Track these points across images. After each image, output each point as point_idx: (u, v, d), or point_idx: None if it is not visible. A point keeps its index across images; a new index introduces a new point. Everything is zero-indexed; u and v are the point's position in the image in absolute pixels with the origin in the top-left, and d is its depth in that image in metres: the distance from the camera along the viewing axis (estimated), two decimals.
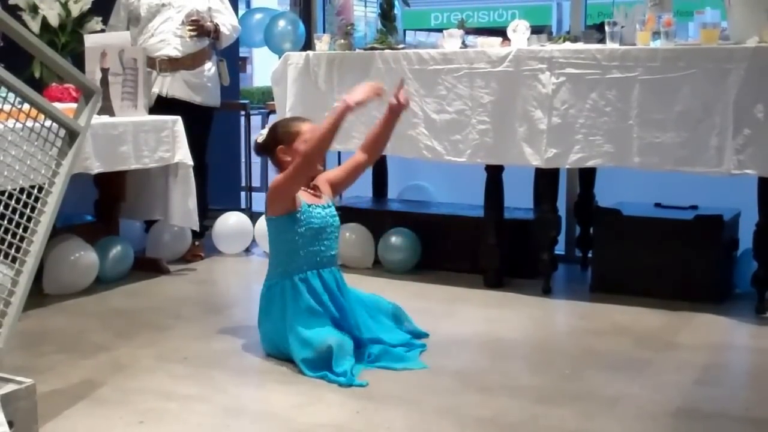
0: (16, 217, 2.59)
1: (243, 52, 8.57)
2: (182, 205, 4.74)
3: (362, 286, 3.72)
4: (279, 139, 3.51)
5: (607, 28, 4.12)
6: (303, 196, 3.44)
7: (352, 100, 3.32)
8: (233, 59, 6.52)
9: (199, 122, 5.09)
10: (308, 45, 5.42)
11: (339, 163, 5.60)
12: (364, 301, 3.60)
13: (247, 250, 5.43)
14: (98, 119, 4.31)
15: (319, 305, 3.35)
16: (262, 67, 15.75)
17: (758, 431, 2.75)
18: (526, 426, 2.75)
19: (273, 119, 5.32)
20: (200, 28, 4.97)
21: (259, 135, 3.65)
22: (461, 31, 4.59)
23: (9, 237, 2.56)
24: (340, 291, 3.45)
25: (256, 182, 6.48)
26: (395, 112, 3.64)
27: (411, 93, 4.49)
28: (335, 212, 3.55)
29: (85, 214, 5.11)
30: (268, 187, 6.20)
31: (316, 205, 3.45)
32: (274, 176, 3.51)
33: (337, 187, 3.69)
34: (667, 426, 2.75)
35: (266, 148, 3.56)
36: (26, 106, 2.64)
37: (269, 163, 5.73)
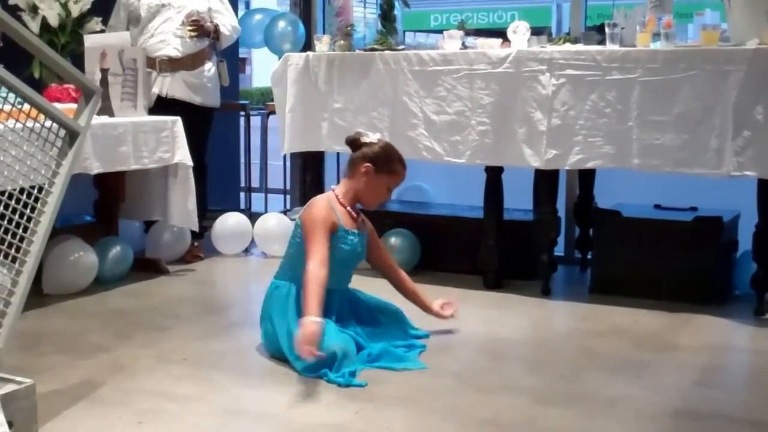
0: (16, 217, 2.58)
1: (242, 52, 8.57)
2: (182, 206, 4.73)
3: (362, 286, 3.72)
4: (377, 159, 3.43)
5: (607, 30, 4.12)
6: (342, 219, 3.40)
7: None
8: (233, 60, 6.52)
9: (199, 123, 5.09)
10: (308, 46, 5.42)
11: (338, 165, 5.64)
12: (364, 301, 3.59)
13: (246, 251, 5.43)
14: (98, 119, 4.30)
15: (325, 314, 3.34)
16: (262, 68, 15.75)
17: None
18: (525, 427, 2.75)
19: (273, 120, 5.33)
20: (200, 28, 4.97)
21: (367, 135, 3.52)
22: (461, 32, 4.59)
23: (9, 237, 2.56)
24: (342, 305, 3.45)
25: (255, 183, 6.48)
26: (429, 311, 3.71)
27: (411, 94, 4.50)
28: (365, 242, 3.53)
29: (84, 215, 5.11)
30: (267, 188, 6.25)
31: (352, 231, 3.43)
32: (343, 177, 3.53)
33: (371, 252, 3.64)
34: (666, 427, 2.75)
35: (361, 150, 3.47)
36: (26, 106, 2.64)
37: (268, 163, 5.74)
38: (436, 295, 4.34)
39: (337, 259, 3.35)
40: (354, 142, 3.52)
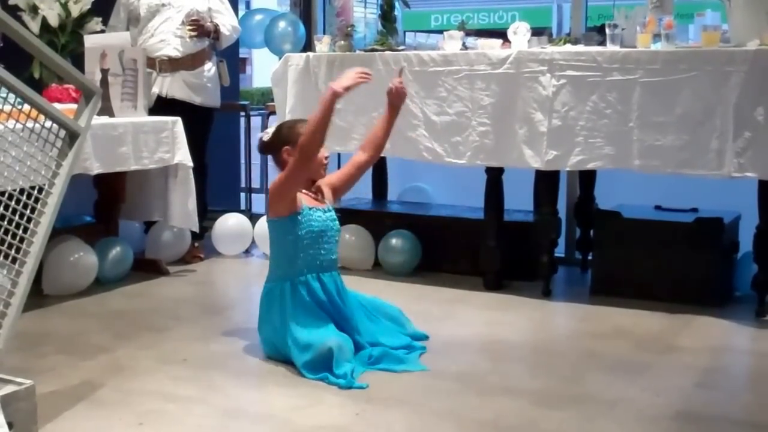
0: (16, 217, 2.58)
1: (242, 52, 8.56)
2: (182, 206, 4.73)
3: (362, 288, 3.72)
4: (284, 139, 3.49)
5: (607, 31, 4.12)
6: (304, 199, 3.43)
7: (340, 86, 3.29)
8: (233, 60, 6.51)
9: (199, 123, 5.08)
10: (308, 46, 5.41)
11: (339, 167, 5.63)
12: (364, 303, 3.59)
13: (247, 252, 5.42)
14: (98, 120, 4.30)
15: (319, 308, 3.35)
16: (262, 68, 15.75)
17: None
18: (525, 428, 2.74)
19: (273, 121, 5.32)
20: (200, 28, 4.97)
21: (265, 134, 3.62)
22: (462, 33, 4.58)
23: (9, 238, 2.55)
24: (339, 295, 3.44)
25: (255, 183, 6.48)
26: (394, 104, 3.66)
27: (411, 95, 4.49)
28: (335, 216, 3.54)
29: (84, 215, 5.10)
30: (268, 188, 6.24)
31: (316, 208, 3.45)
32: (275, 177, 3.51)
33: (339, 190, 3.68)
34: (666, 429, 2.75)
35: (271, 147, 3.54)
36: (26, 107, 2.63)
37: (269, 164, 5.73)
38: (436, 296, 4.35)
39: (313, 237, 3.39)
40: (264, 147, 3.59)
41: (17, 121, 2.63)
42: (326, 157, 3.50)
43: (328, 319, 3.34)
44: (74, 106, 3.37)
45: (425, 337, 3.62)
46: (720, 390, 3.15)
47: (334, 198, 3.65)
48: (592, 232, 4.65)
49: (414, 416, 2.83)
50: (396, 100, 3.68)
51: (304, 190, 3.47)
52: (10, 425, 2.41)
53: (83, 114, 2.81)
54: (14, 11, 4.61)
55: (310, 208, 3.42)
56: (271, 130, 3.62)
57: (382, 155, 4.90)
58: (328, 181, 3.62)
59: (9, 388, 2.50)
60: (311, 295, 3.35)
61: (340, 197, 3.77)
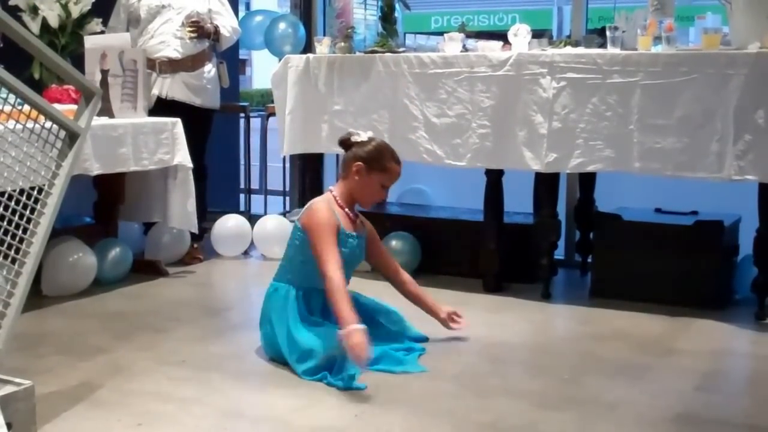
0: (16, 218, 2.58)
1: (242, 54, 8.56)
2: (181, 208, 4.73)
3: (361, 289, 3.71)
4: (368, 157, 3.41)
5: (608, 33, 4.12)
6: (342, 220, 3.39)
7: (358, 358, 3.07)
8: (233, 61, 6.51)
9: (199, 124, 5.08)
10: (308, 48, 5.41)
11: (337, 166, 5.63)
12: (363, 304, 3.58)
13: (246, 253, 5.42)
14: (98, 121, 4.30)
15: (322, 314, 3.35)
16: (262, 69, 15.76)
17: None
18: (525, 430, 2.74)
19: (273, 122, 5.32)
20: (200, 29, 4.97)
21: (358, 134, 3.50)
22: (462, 35, 4.58)
23: (8, 238, 2.55)
24: None
25: (255, 185, 6.47)
26: (436, 317, 3.67)
27: (411, 96, 4.49)
28: (364, 245, 3.52)
29: (83, 216, 5.10)
30: (266, 189, 6.25)
31: (351, 234, 3.41)
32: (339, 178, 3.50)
33: (371, 255, 3.62)
34: None
35: (352, 150, 3.46)
36: (26, 107, 2.63)
37: (268, 165, 5.72)
38: (435, 298, 4.33)
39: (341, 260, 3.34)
40: (345, 142, 3.51)
41: (17, 121, 2.63)
42: (383, 198, 3.54)
43: (330, 324, 3.33)
44: (74, 107, 3.37)
45: (425, 339, 3.62)
46: (719, 393, 3.15)
47: (368, 250, 3.60)
48: (591, 234, 4.65)
49: (413, 417, 2.83)
50: (442, 322, 3.67)
51: (346, 209, 3.44)
52: (9, 426, 2.41)
53: (83, 115, 2.81)
54: (14, 11, 4.61)
55: (346, 233, 3.38)
56: (365, 134, 3.51)
57: None
58: (374, 238, 3.61)
59: (8, 389, 2.49)
60: (317, 303, 3.36)
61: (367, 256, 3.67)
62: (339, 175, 3.57)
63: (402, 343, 3.50)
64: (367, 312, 3.55)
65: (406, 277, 3.72)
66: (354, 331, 3.06)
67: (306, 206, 3.47)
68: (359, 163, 3.41)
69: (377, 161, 3.42)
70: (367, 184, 3.43)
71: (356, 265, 3.54)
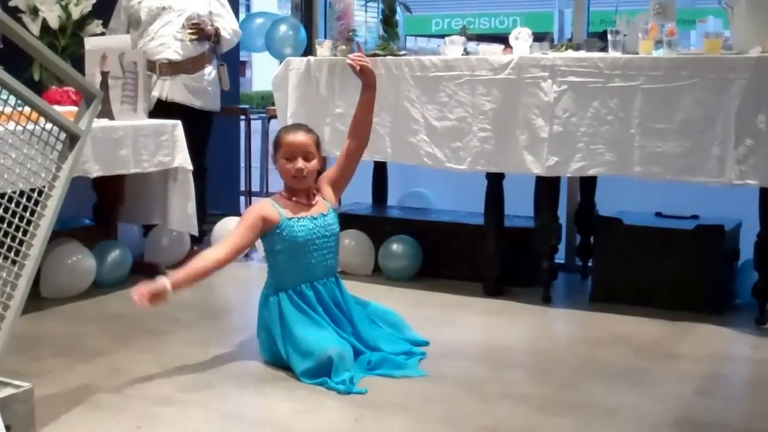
0: (16, 220, 2.57)
1: (242, 56, 8.55)
2: (181, 210, 4.72)
3: (362, 293, 3.71)
4: (274, 142, 3.52)
5: (609, 37, 4.11)
6: (285, 210, 3.41)
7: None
8: (233, 64, 6.51)
9: (199, 126, 5.08)
10: (309, 50, 5.40)
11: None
12: (364, 308, 3.58)
13: (247, 256, 5.40)
14: (98, 123, 4.29)
15: (315, 315, 3.34)
16: (262, 72, 15.75)
17: None
18: None
19: (274, 125, 5.31)
20: (201, 31, 4.97)
21: None
22: (463, 38, 4.58)
23: (8, 240, 2.55)
24: (336, 301, 3.43)
25: (255, 187, 6.47)
26: (364, 82, 3.65)
27: (412, 99, 4.49)
28: (332, 221, 3.49)
29: (83, 218, 5.10)
30: (267, 192, 6.24)
31: (300, 218, 3.41)
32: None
33: (337, 185, 3.63)
34: None
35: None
36: (26, 109, 2.63)
37: (269, 167, 5.72)
38: (435, 302, 4.34)
39: (299, 247, 3.37)
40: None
41: (17, 123, 2.62)
42: (297, 169, 3.40)
43: (326, 325, 3.33)
44: (74, 108, 3.37)
45: (425, 343, 3.61)
46: (719, 398, 3.15)
47: (336, 192, 3.62)
48: (592, 238, 4.64)
49: (413, 422, 2.82)
50: (363, 77, 3.65)
51: (293, 198, 3.45)
52: (8, 428, 2.40)
53: (84, 117, 2.80)
54: (14, 13, 4.61)
55: (290, 219, 3.39)
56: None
57: (383, 160, 4.92)
58: (327, 178, 3.61)
59: (7, 391, 2.49)
60: (306, 303, 3.35)
61: (340, 191, 3.70)
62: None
63: (402, 347, 3.49)
64: (367, 316, 3.56)
65: (352, 128, 3.71)
66: (161, 281, 3.14)
67: None
68: (272, 153, 3.52)
69: (276, 142, 3.50)
70: (280, 167, 3.47)
71: (328, 243, 3.45)
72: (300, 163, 3.40)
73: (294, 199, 3.45)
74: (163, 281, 3.13)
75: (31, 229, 2.61)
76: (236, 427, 2.79)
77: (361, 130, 3.67)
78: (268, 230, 3.37)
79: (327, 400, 3.00)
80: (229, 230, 3.45)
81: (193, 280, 3.24)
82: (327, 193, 3.56)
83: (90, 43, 4.74)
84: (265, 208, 3.42)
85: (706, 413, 2.95)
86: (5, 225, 2.54)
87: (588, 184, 4.80)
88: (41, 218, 2.64)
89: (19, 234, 2.58)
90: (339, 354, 3.15)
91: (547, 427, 2.80)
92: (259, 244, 5.16)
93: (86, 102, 2.83)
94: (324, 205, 3.52)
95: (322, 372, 3.13)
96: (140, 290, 3.08)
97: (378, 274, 4.89)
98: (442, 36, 4.77)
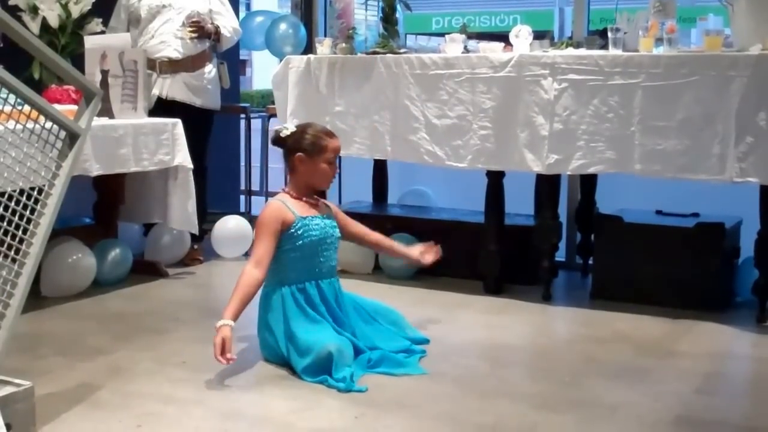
0: (16, 218, 2.57)
1: (242, 54, 8.55)
2: (181, 209, 4.72)
3: (362, 292, 3.71)
4: (304, 145, 3.44)
5: (609, 34, 4.11)
6: (297, 209, 3.42)
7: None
8: (233, 62, 6.51)
9: (199, 125, 5.08)
10: (309, 48, 5.41)
11: (339, 167, 5.62)
12: (364, 306, 3.58)
13: (247, 254, 5.40)
14: (98, 121, 4.29)
15: (317, 313, 3.34)
16: (262, 70, 15.76)
17: None
18: None
19: (274, 123, 5.31)
20: (201, 29, 4.96)
21: (284, 129, 3.52)
22: (463, 36, 4.57)
23: (8, 239, 2.54)
24: (337, 301, 3.44)
25: (255, 186, 6.47)
26: (410, 260, 3.81)
27: (412, 98, 4.48)
28: (335, 222, 3.53)
29: (83, 217, 5.09)
30: (267, 191, 6.24)
31: (313, 216, 3.44)
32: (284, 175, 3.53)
33: (343, 233, 3.60)
34: None
35: (285, 146, 3.50)
36: (26, 108, 2.63)
37: (269, 166, 5.69)
38: (436, 300, 4.34)
39: (312, 246, 3.38)
40: (278, 141, 3.54)
41: (17, 121, 2.62)
42: (335, 173, 3.53)
43: (326, 323, 3.34)
44: (74, 107, 3.37)
45: (425, 341, 3.61)
46: (720, 395, 3.15)
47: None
48: (592, 236, 4.64)
49: (413, 420, 2.82)
50: (417, 261, 3.80)
51: (303, 198, 3.46)
52: (8, 426, 2.40)
53: (84, 115, 2.80)
54: (14, 11, 4.60)
55: (304, 218, 3.40)
56: (291, 126, 3.54)
57: (383, 158, 4.92)
58: (341, 215, 3.65)
59: (7, 390, 2.49)
60: (308, 301, 3.35)
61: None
62: (287, 172, 3.59)
63: (402, 345, 3.49)
64: (367, 313, 3.56)
65: (376, 236, 3.81)
66: (223, 326, 3.15)
67: None
68: (299, 154, 3.44)
69: (314, 145, 3.44)
70: (314, 169, 3.45)
71: (335, 243, 3.51)
72: (336, 167, 3.53)
73: (304, 198, 3.46)
74: (226, 326, 3.16)
75: (31, 227, 2.61)
76: (236, 425, 2.79)
77: (372, 249, 3.89)
78: (284, 231, 3.37)
79: (327, 399, 3.00)
80: (254, 243, 3.42)
81: (244, 309, 3.28)
82: (334, 211, 3.62)
83: (90, 42, 4.74)
84: (280, 210, 3.39)
85: (707, 411, 2.95)
86: (5, 223, 2.54)
87: (588, 182, 4.80)
88: (41, 216, 2.64)
89: (20, 232, 2.58)
90: (338, 349, 3.16)
91: (547, 425, 2.80)
92: None
93: (86, 100, 2.82)
94: (324, 206, 3.55)
95: (322, 368, 3.13)
96: (218, 356, 3.11)
97: (378, 272, 4.89)
98: (443, 34, 4.76)
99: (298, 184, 3.49)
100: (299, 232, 3.37)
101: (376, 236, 3.80)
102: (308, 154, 3.43)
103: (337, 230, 3.53)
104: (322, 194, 3.97)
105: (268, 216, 3.39)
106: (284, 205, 3.41)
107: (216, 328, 3.16)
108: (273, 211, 3.40)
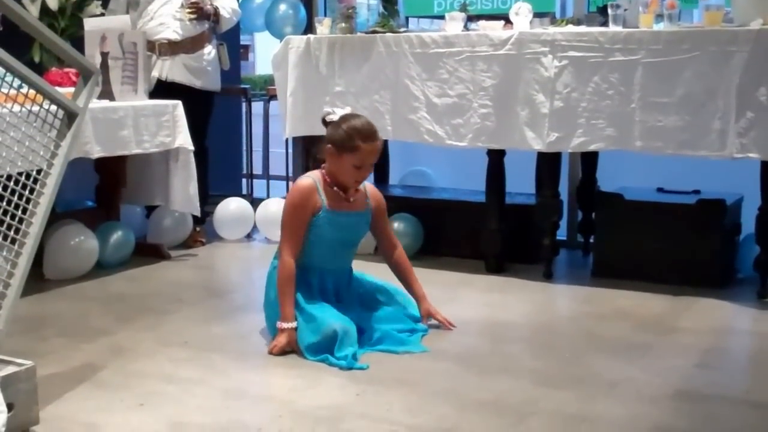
0: (15, 199, 2.58)
1: (245, 39, 8.56)
2: (183, 191, 4.73)
3: (364, 271, 3.71)
4: (335, 138, 3.29)
5: (609, 11, 4.10)
6: (327, 197, 3.32)
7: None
8: (234, 46, 6.49)
9: (200, 106, 5.07)
10: (309, 29, 5.39)
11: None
12: (366, 285, 3.57)
13: (249, 236, 5.42)
14: (98, 103, 4.31)
15: (322, 294, 3.35)
16: (265, 55, 15.72)
17: (757, 414, 2.74)
18: (526, 408, 2.74)
19: (275, 105, 5.30)
20: (200, 11, 4.95)
21: (333, 113, 3.36)
22: (463, 14, 4.56)
23: (8, 219, 2.55)
24: (346, 288, 3.46)
25: (257, 169, 6.46)
26: (421, 310, 3.57)
27: (412, 77, 4.48)
28: (365, 222, 3.46)
29: (85, 200, 5.10)
30: (269, 174, 6.23)
31: (340, 212, 3.34)
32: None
33: (372, 223, 3.53)
34: (666, 408, 2.74)
35: (327, 130, 3.36)
36: (25, 90, 2.63)
37: (270, 149, 5.68)
38: (438, 280, 4.34)
39: (327, 240, 3.34)
40: (323, 121, 3.41)
41: (15, 102, 2.63)
42: (363, 178, 3.38)
43: (331, 303, 3.34)
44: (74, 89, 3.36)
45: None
46: (720, 370, 3.15)
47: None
48: (593, 214, 4.64)
49: (414, 396, 2.83)
50: (427, 317, 3.56)
51: (335, 187, 3.35)
52: (10, 406, 2.41)
53: (82, 94, 2.80)
54: None
55: (329, 211, 3.32)
56: (341, 111, 3.38)
57: (384, 138, 4.90)
58: (379, 214, 3.53)
59: (9, 369, 2.50)
60: (318, 282, 3.36)
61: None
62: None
63: (404, 323, 3.49)
64: (370, 292, 3.56)
65: (400, 259, 3.62)
66: (283, 330, 3.21)
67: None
68: (329, 145, 3.32)
69: (345, 142, 3.27)
70: (340, 165, 3.31)
71: (356, 242, 3.50)
72: (367, 171, 3.38)
73: (335, 188, 3.36)
74: (291, 330, 3.22)
75: (30, 207, 2.62)
76: (238, 403, 2.80)
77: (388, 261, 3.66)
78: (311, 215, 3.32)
79: (328, 376, 3.01)
80: (283, 230, 3.32)
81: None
82: (376, 201, 3.51)
83: (89, 24, 4.74)
84: (311, 192, 3.30)
85: (707, 386, 2.95)
86: (5, 204, 2.55)
87: (589, 160, 4.80)
88: (41, 197, 2.64)
89: (19, 212, 2.59)
90: (344, 329, 3.16)
91: (548, 400, 2.81)
92: (264, 223, 5.23)
93: (84, 79, 2.82)
94: (364, 203, 3.46)
95: (326, 346, 3.14)
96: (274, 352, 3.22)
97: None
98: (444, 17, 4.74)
99: (330, 172, 3.37)
100: (320, 223, 3.31)
101: (399, 259, 3.61)
102: (337, 149, 3.29)
103: (365, 230, 3.49)
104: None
105: (299, 198, 3.30)
106: (316, 188, 3.33)
107: (279, 329, 3.22)
108: (304, 192, 3.30)
